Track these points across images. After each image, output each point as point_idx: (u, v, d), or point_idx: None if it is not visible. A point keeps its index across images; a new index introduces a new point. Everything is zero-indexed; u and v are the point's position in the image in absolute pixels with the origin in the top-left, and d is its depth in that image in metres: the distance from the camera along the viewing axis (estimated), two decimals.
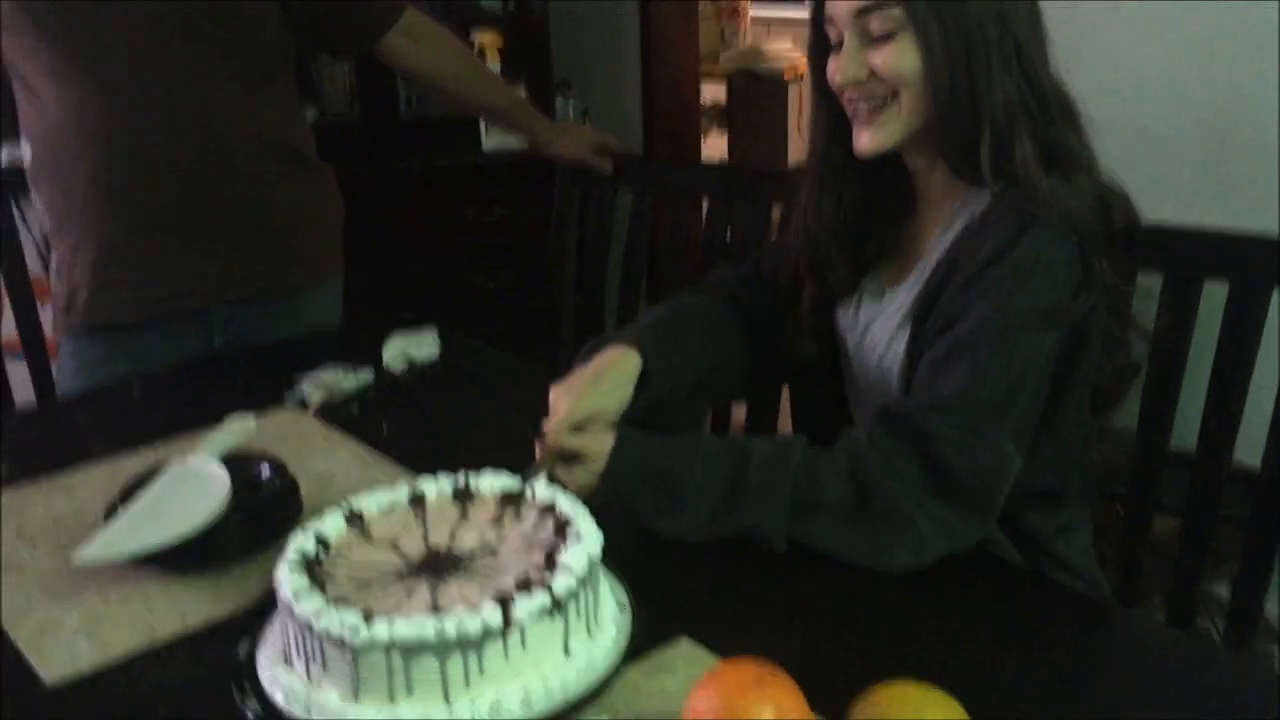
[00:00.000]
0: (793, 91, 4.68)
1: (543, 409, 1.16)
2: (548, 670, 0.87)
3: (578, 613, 0.89)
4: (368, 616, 0.83)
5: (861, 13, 1.08)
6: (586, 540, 0.93)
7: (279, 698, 0.88)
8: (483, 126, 3.04)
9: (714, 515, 1.06)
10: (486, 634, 0.83)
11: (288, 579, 0.89)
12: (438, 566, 0.94)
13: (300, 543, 0.95)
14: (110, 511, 1.14)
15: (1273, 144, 2.14)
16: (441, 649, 0.83)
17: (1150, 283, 1.29)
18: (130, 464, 1.31)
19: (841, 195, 1.21)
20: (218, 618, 1.02)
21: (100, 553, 1.07)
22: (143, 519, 1.11)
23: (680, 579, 1.06)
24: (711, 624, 0.96)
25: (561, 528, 0.97)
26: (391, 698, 0.84)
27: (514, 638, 0.84)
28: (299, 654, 0.88)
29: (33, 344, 1.95)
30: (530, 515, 1.02)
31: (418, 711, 0.83)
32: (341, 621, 0.83)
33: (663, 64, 3.39)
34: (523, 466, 1.09)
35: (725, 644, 0.92)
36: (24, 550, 1.15)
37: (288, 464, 1.22)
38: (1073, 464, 1.17)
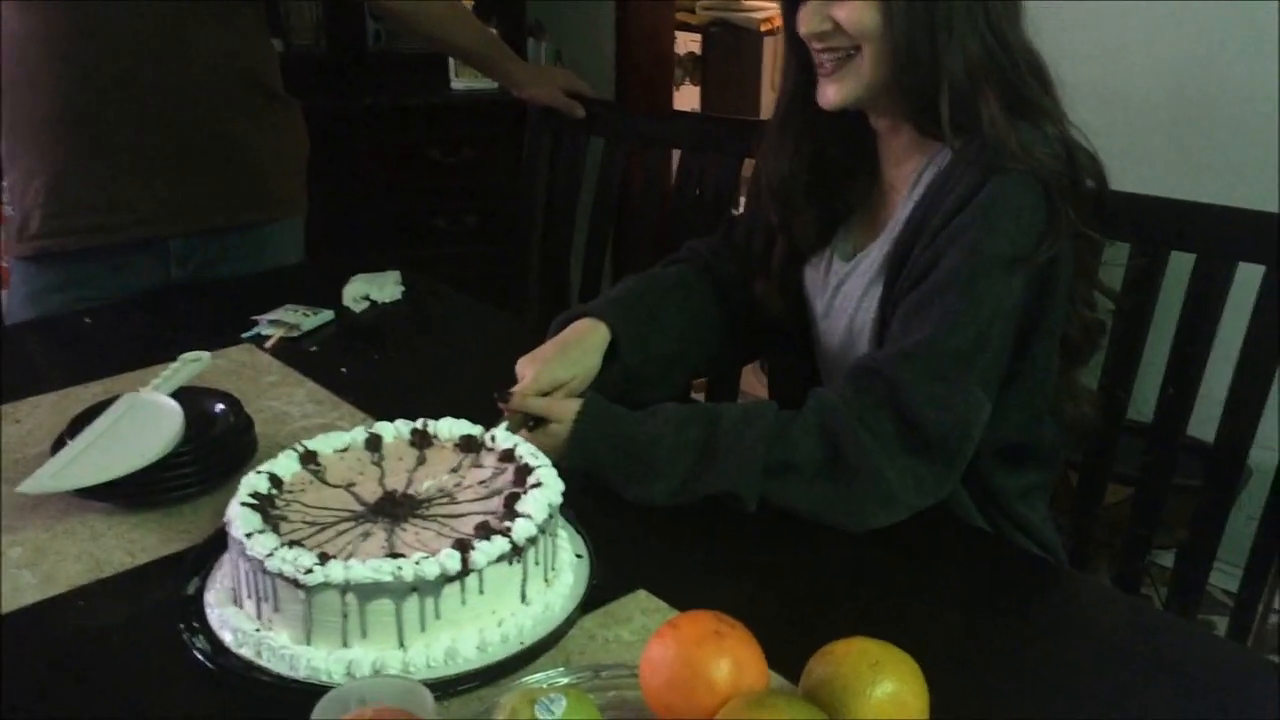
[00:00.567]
0: (768, 44, 4.63)
1: (509, 372, 1.16)
2: (504, 616, 0.87)
3: (536, 560, 0.88)
4: (323, 558, 0.82)
5: None
6: (547, 488, 0.92)
7: (227, 637, 0.86)
8: (452, 65, 2.98)
9: (686, 480, 1.05)
10: (444, 579, 0.83)
11: (240, 518, 0.87)
12: (394, 510, 0.93)
13: (253, 482, 0.93)
14: (59, 443, 1.11)
15: (1244, 117, 2.16)
16: (398, 593, 0.82)
17: (1117, 252, 1.29)
18: (80, 395, 1.29)
19: (801, 145, 1.21)
20: (167, 554, 1.00)
21: (47, 484, 1.04)
22: (92, 452, 1.09)
23: (639, 531, 1.06)
24: (670, 577, 0.96)
25: (522, 475, 0.96)
26: (345, 641, 0.83)
27: (472, 583, 0.84)
28: (249, 594, 0.86)
29: None
30: (489, 461, 1.01)
31: (371, 655, 0.82)
32: (294, 562, 0.82)
33: (638, 9, 3.34)
34: (485, 418, 1.07)
35: (683, 598, 0.92)
36: None
37: (243, 401, 1.20)
38: (1042, 422, 1.18)
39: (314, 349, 1.46)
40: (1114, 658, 0.90)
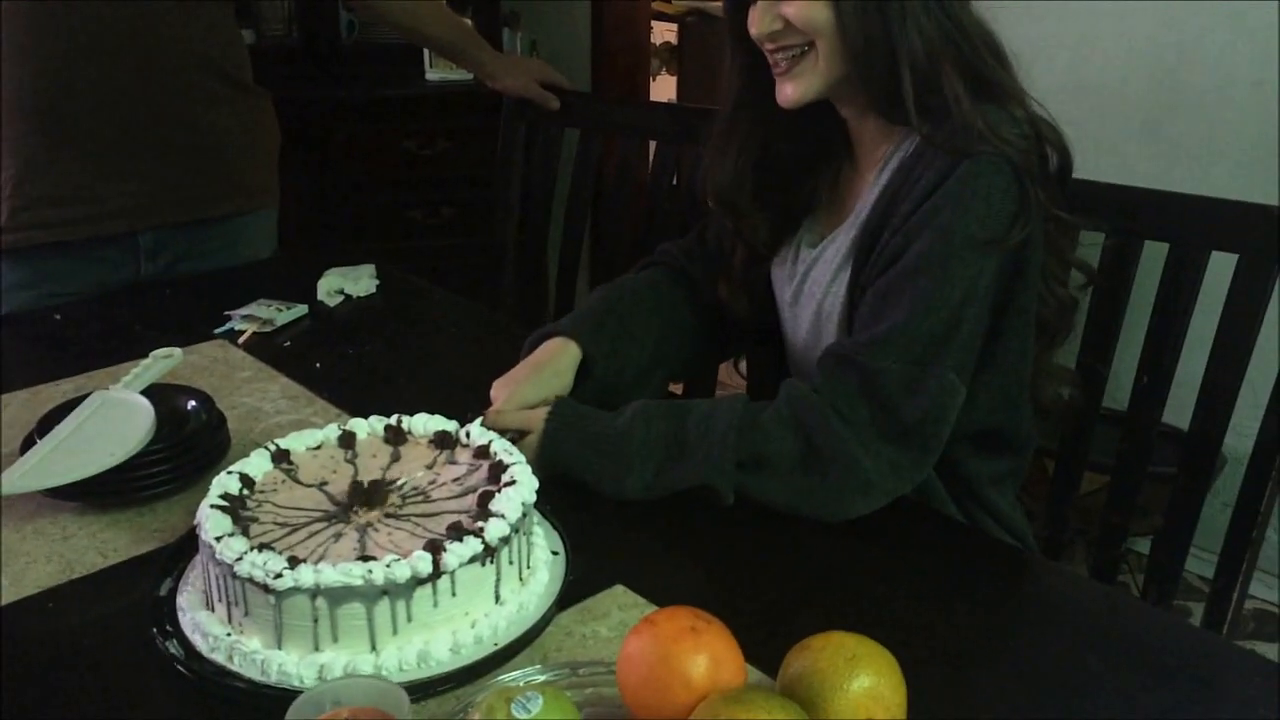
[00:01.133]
0: None
1: (484, 366, 1.15)
2: (478, 617, 0.86)
3: (510, 559, 0.88)
4: (292, 562, 0.81)
5: None
6: (521, 485, 0.92)
7: (199, 642, 0.85)
8: (427, 55, 2.96)
9: (658, 474, 1.05)
10: (415, 581, 0.82)
11: (209, 521, 0.86)
12: (367, 509, 0.92)
13: (224, 483, 0.92)
14: (28, 442, 1.10)
15: (1218, 105, 2.17)
16: (369, 596, 0.81)
17: (1092, 238, 1.30)
18: (50, 393, 1.27)
19: (747, 149, 1.21)
20: (139, 554, 0.99)
21: (18, 483, 1.03)
22: (62, 450, 1.07)
23: (616, 528, 1.05)
24: (647, 573, 0.96)
25: (496, 472, 0.95)
26: (316, 645, 0.82)
27: (444, 585, 0.83)
28: (220, 598, 0.85)
29: None
30: (464, 457, 1.00)
31: (343, 659, 0.82)
32: (265, 567, 0.81)
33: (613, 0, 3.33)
34: (459, 413, 1.07)
35: (661, 593, 0.92)
36: None
37: (215, 398, 1.19)
38: (1018, 408, 1.18)
39: (287, 344, 1.45)
40: (1089, 647, 0.91)
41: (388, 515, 0.92)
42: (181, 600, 0.90)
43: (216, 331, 1.46)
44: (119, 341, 1.39)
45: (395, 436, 1.03)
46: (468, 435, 1.02)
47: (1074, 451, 1.43)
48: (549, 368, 1.18)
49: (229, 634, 0.84)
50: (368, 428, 1.04)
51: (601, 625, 0.89)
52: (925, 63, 1.05)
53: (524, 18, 3.14)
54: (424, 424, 1.04)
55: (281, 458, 0.99)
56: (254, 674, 0.82)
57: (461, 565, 0.83)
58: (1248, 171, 2.13)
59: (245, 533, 0.87)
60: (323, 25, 2.97)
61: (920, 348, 1.03)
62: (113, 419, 1.11)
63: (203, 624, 0.86)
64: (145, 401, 1.13)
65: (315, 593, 0.80)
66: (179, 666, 0.84)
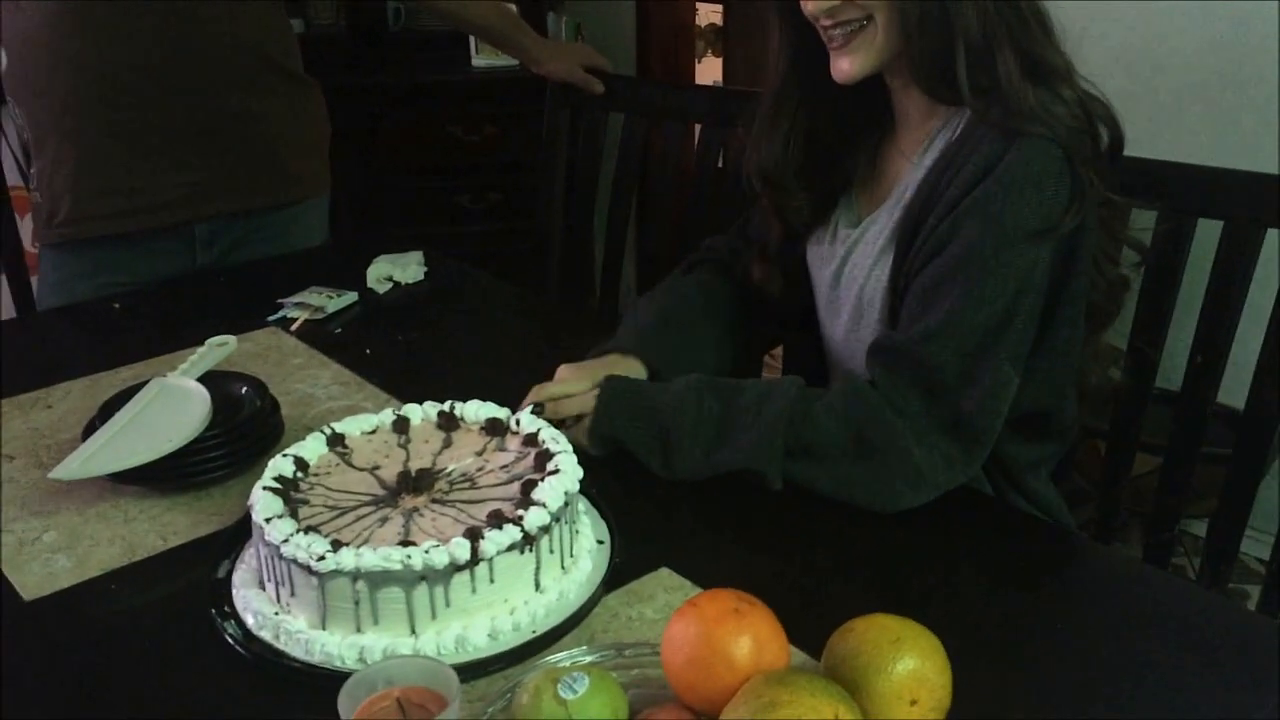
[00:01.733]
0: None
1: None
2: (517, 604, 0.87)
3: (550, 548, 0.89)
4: (335, 545, 0.83)
5: None
6: (564, 475, 0.92)
7: (250, 620, 0.88)
8: (473, 42, 2.97)
9: (708, 453, 1.06)
10: (454, 568, 0.83)
11: (261, 503, 0.89)
12: (414, 495, 0.93)
13: (278, 465, 0.94)
14: (90, 428, 1.13)
15: (1273, 78, 2.11)
16: (408, 581, 0.83)
17: (1145, 219, 1.28)
18: (110, 380, 1.30)
19: (796, 128, 1.20)
20: (197, 537, 1.02)
21: (79, 469, 1.06)
22: (123, 436, 1.10)
23: (663, 510, 1.06)
24: (693, 556, 0.97)
25: (542, 460, 0.96)
26: (358, 627, 0.84)
27: (482, 572, 0.84)
28: (270, 578, 0.88)
29: (12, 256, 1.92)
30: (513, 445, 1.01)
31: (383, 641, 0.83)
32: (308, 549, 0.83)
33: None
34: (508, 398, 1.08)
35: (706, 575, 0.92)
36: (2, 465, 1.14)
37: (269, 384, 1.21)
38: (1064, 393, 1.16)
39: (338, 331, 1.47)
40: (1138, 630, 0.90)
41: (434, 501, 0.93)
42: (236, 579, 0.92)
43: (269, 319, 1.49)
44: (175, 330, 1.41)
45: (448, 422, 1.05)
46: (518, 423, 1.03)
47: (1126, 433, 1.41)
48: (618, 370, 1.18)
49: (276, 613, 0.87)
50: (421, 413, 1.06)
51: (647, 607, 0.90)
52: (980, 39, 1.03)
53: (568, 1, 3.14)
54: (476, 410, 1.05)
55: (336, 441, 1.01)
56: (299, 653, 0.84)
57: (500, 553, 0.84)
58: None
59: (295, 515, 0.89)
60: (370, 13, 3.00)
61: (974, 340, 1.02)
62: (170, 405, 1.14)
63: (253, 602, 0.89)
64: (202, 388, 1.15)
65: (356, 576, 0.82)
66: (236, 646, 0.86)
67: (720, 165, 1.81)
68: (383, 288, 1.59)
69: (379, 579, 0.82)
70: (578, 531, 0.94)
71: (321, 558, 0.82)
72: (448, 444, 1.02)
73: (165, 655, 0.88)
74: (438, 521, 0.90)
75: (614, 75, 1.98)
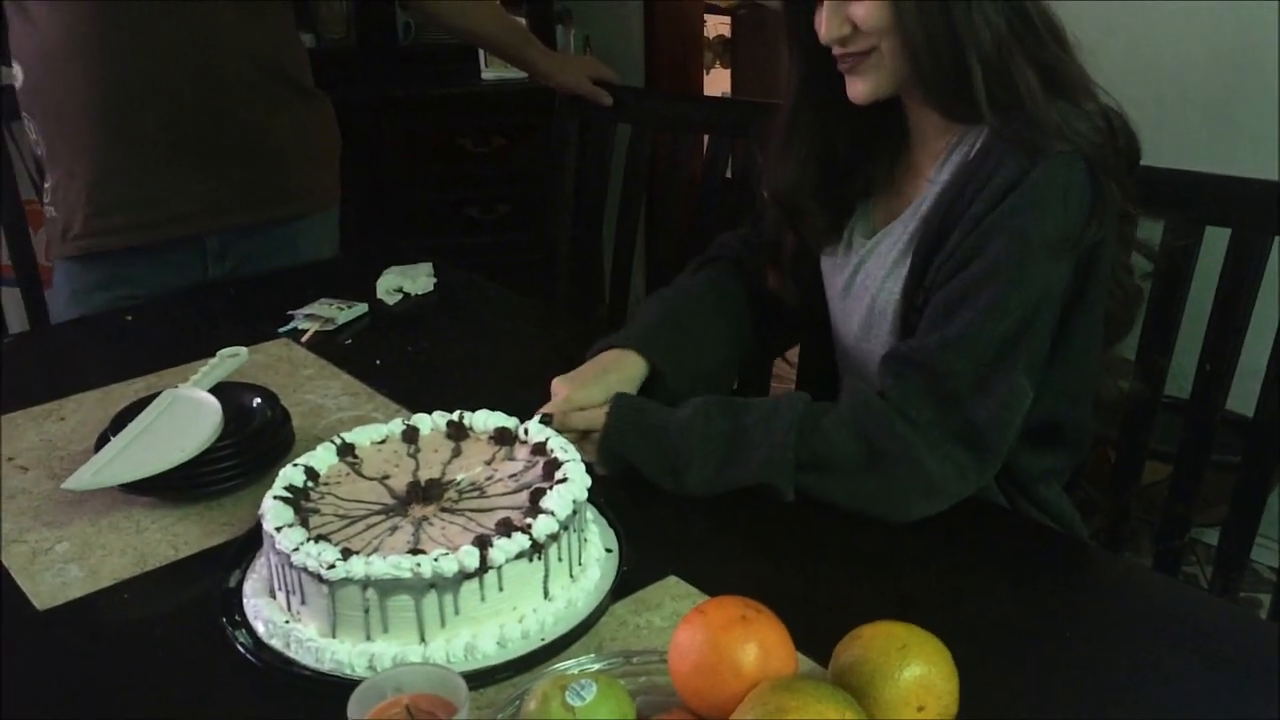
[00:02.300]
0: None
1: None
2: (526, 612, 0.87)
3: (559, 556, 0.89)
4: (345, 553, 0.84)
5: None
6: (573, 483, 0.93)
7: (260, 629, 0.88)
8: (482, 55, 2.98)
9: (718, 470, 1.06)
10: (463, 575, 0.83)
11: (271, 512, 0.89)
12: (424, 504, 0.94)
13: (289, 475, 0.95)
14: (102, 439, 1.14)
15: (1277, 87, 2.11)
16: (417, 589, 0.83)
17: (1151, 228, 1.28)
18: (123, 392, 1.31)
19: (812, 146, 1.20)
20: (209, 547, 1.03)
21: (92, 479, 1.07)
22: (135, 447, 1.11)
23: (671, 518, 1.06)
24: (700, 564, 0.97)
25: (550, 469, 0.97)
26: (368, 635, 0.84)
27: (490, 580, 0.85)
28: (280, 586, 0.88)
29: (26, 270, 1.94)
30: (522, 454, 1.01)
31: (393, 649, 0.84)
32: (318, 557, 0.83)
33: None
34: (517, 408, 1.08)
35: (714, 584, 0.93)
36: (16, 476, 1.15)
37: (280, 395, 1.22)
38: (1077, 404, 1.16)
39: (349, 342, 1.48)
40: (1147, 637, 0.90)
41: (443, 510, 0.94)
42: (247, 588, 0.93)
43: (280, 330, 1.50)
44: (187, 341, 1.43)
45: (457, 432, 1.05)
46: (526, 432, 1.04)
47: (1135, 441, 1.41)
48: (616, 373, 1.18)
49: (287, 621, 0.87)
50: (431, 423, 1.06)
51: (655, 615, 0.91)
52: (995, 56, 1.03)
53: (576, 14, 3.15)
54: (485, 420, 1.06)
55: (346, 451, 1.02)
56: (309, 661, 0.85)
57: (509, 561, 0.85)
58: None
59: (305, 524, 0.89)
60: (380, 27, 3.01)
61: (991, 351, 1.03)
62: (182, 416, 1.15)
63: (263, 610, 0.89)
64: (213, 399, 1.16)
65: (366, 584, 0.83)
66: (247, 655, 0.87)
67: (728, 175, 1.81)
68: (392, 299, 1.60)
69: (389, 587, 0.83)
70: (586, 540, 0.95)
71: (332, 566, 0.83)
72: (457, 453, 1.03)
73: (177, 664, 0.89)
74: (447, 530, 0.90)
75: (622, 87, 1.99)
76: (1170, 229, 1.31)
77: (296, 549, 0.84)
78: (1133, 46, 2.23)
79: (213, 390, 1.19)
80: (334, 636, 0.85)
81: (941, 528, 1.03)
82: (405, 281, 1.62)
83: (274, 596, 0.90)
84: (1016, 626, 0.92)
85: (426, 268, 1.66)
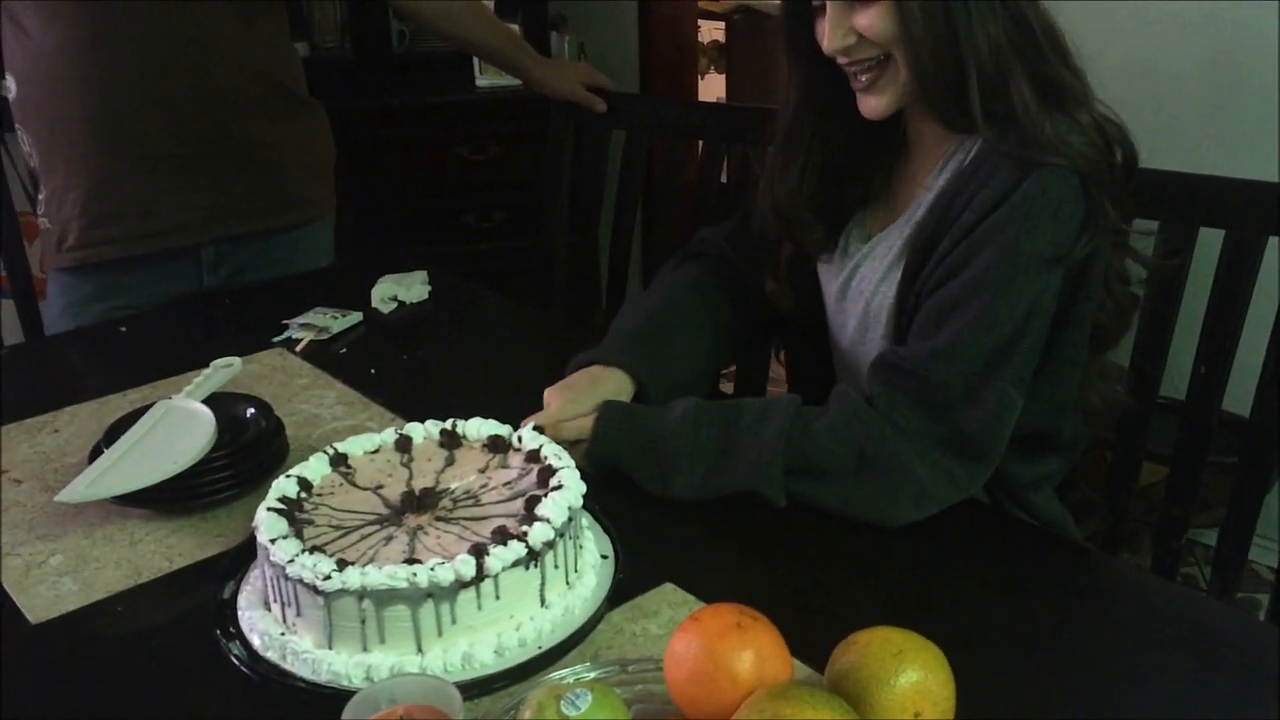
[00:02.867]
0: None
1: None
2: (523, 620, 0.87)
3: (555, 564, 0.89)
4: (340, 565, 0.83)
5: None
6: (567, 490, 0.93)
7: (256, 641, 0.88)
8: (476, 63, 2.99)
9: (707, 475, 1.06)
10: (459, 584, 0.83)
11: (265, 523, 0.89)
12: (418, 513, 0.94)
13: (282, 486, 0.95)
14: (96, 451, 1.13)
15: (1274, 85, 2.11)
16: (414, 599, 0.83)
17: (1146, 228, 1.28)
18: (117, 404, 1.31)
19: (811, 158, 1.19)
20: (203, 558, 1.02)
21: (85, 492, 1.06)
22: (128, 459, 1.11)
23: (666, 525, 1.06)
24: (697, 571, 0.97)
25: (544, 476, 0.96)
26: (364, 646, 0.84)
27: (487, 588, 0.84)
28: (275, 598, 0.88)
29: (20, 281, 1.94)
30: (516, 462, 1.01)
31: (390, 660, 0.83)
32: (314, 569, 0.83)
33: (661, 0, 3.33)
34: (512, 417, 1.08)
35: (709, 591, 0.93)
36: (10, 489, 1.15)
37: (274, 405, 1.22)
38: (1066, 409, 1.16)
39: (343, 351, 1.48)
40: (1144, 640, 0.90)
41: (438, 519, 0.93)
42: (241, 600, 0.93)
43: (275, 340, 1.49)
44: (181, 352, 1.42)
45: (450, 440, 1.05)
46: (520, 440, 1.03)
47: (1132, 443, 1.41)
48: (605, 386, 1.17)
49: (283, 633, 0.87)
50: (423, 432, 1.06)
51: (651, 623, 0.90)
52: (992, 67, 1.03)
53: (571, 21, 3.15)
54: (478, 428, 1.06)
55: (339, 461, 1.01)
56: (305, 673, 0.84)
57: (505, 569, 0.85)
58: None
59: (299, 535, 0.89)
60: (374, 36, 3.02)
61: (981, 361, 1.03)
62: (176, 428, 1.14)
63: (258, 622, 0.89)
64: (207, 410, 1.16)
65: (362, 594, 0.82)
66: (243, 667, 0.86)
67: (724, 180, 1.81)
68: (387, 307, 1.60)
69: (385, 597, 0.82)
70: (582, 547, 0.94)
71: (327, 577, 0.82)
72: (450, 462, 1.02)
73: (171, 677, 0.89)
74: (442, 539, 0.90)
75: (616, 93, 1.99)
76: (1165, 229, 1.31)
77: (291, 561, 0.84)
78: (1128, 49, 2.23)
79: (206, 401, 1.19)
80: (330, 648, 0.85)
81: (936, 531, 1.03)
82: (400, 290, 1.62)
83: (269, 608, 0.90)
84: (1013, 630, 0.92)
85: (421, 276, 1.66)
